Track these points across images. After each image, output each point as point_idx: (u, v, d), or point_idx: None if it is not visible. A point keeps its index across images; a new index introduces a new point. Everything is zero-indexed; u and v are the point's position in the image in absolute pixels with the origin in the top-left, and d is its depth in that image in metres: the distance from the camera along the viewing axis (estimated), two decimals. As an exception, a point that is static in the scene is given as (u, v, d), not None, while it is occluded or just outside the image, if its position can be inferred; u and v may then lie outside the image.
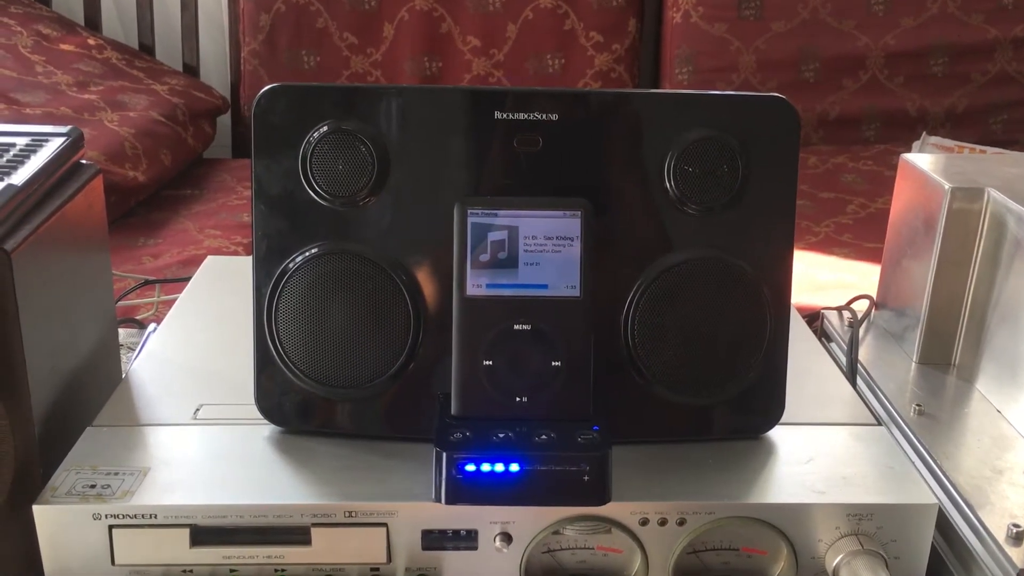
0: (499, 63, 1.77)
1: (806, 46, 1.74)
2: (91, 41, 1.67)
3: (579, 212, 0.56)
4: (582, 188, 0.57)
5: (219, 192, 1.56)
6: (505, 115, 0.57)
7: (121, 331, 0.84)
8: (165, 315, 0.77)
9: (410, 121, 0.57)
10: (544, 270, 0.56)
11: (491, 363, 0.55)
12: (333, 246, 0.57)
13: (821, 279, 1.24)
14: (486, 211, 0.56)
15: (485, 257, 0.56)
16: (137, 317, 0.96)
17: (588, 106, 0.58)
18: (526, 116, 0.57)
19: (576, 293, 0.56)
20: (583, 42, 1.77)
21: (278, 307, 0.58)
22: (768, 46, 1.74)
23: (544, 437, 0.54)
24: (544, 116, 0.57)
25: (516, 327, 0.55)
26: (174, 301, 0.79)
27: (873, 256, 1.28)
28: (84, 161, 0.65)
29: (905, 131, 1.75)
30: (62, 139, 0.63)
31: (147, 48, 1.81)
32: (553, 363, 0.55)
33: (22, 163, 0.59)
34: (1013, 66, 1.75)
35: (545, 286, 0.56)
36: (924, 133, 1.67)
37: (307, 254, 0.57)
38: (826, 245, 1.36)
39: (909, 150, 1.64)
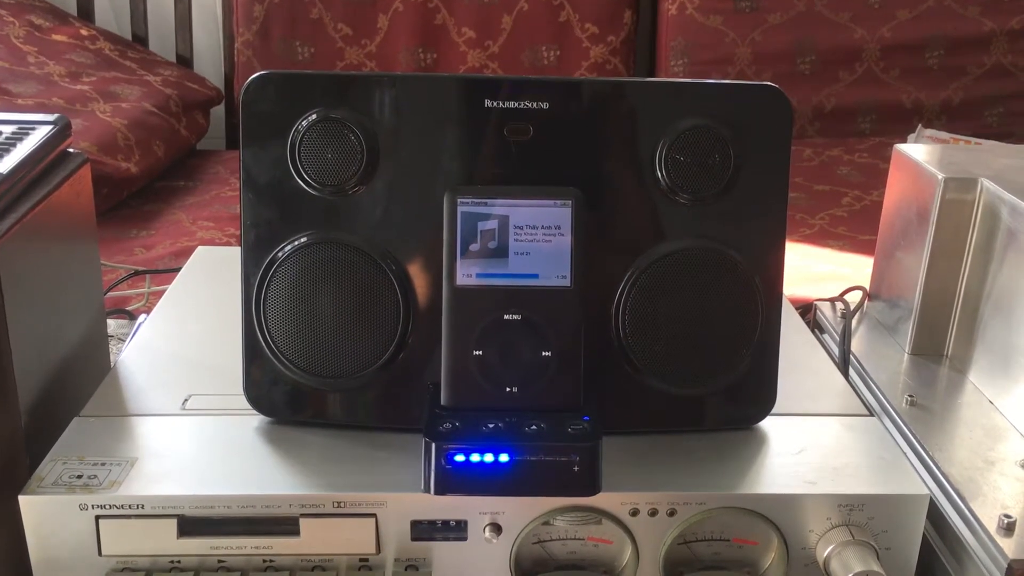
0: (494, 55, 1.76)
1: (802, 38, 1.74)
2: (84, 32, 1.66)
3: (570, 201, 0.55)
4: (573, 177, 0.56)
5: (212, 183, 1.56)
6: (496, 103, 0.56)
7: (112, 322, 0.84)
8: (155, 306, 0.76)
9: (400, 109, 0.57)
10: (535, 260, 0.55)
11: (481, 353, 0.55)
12: (322, 235, 0.57)
13: (816, 271, 1.24)
14: (476, 200, 0.55)
15: (475, 247, 0.55)
16: (128, 308, 0.96)
17: (579, 95, 0.57)
18: (517, 104, 0.56)
19: (567, 283, 0.55)
20: (578, 34, 1.76)
21: (267, 297, 0.57)
22: (764, 38, 1.73)
23: (534, 427, 0.53)
24: (535, 104, 0.56)
25: (506, 317, 0.55)
26: (164, 292, 0.79)
27: (868, 248, 1.27)
28: (71, 150, 0.65)
29: (901, 124, 1.75)
30: (49, 127, 0.62)
31: (140, 39, 1.80)
32: (544, 353, 0.55)
33: (8, 151, 0.59)
34: (1009, 59, 1.75)
35: (536, 276, 0.55)
36: (920, 126, 1.67)
37: (296, 243, 0.57)
38: (821, 237, 1.36)
39: (905, 142, 1.64)
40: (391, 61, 1.76)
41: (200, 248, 0.87)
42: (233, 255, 0.68)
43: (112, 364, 0.70)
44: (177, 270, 0.83)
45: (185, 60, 1.82)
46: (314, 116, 0.56)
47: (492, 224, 0.56)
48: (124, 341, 0.79)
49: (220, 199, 1.48)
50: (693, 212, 0.58)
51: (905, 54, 1.75)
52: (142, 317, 0.78)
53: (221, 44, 1.84)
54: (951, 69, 1.75)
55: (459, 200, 0.55)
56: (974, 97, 1.76)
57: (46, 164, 0.61)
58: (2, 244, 0.52)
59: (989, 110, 1.78)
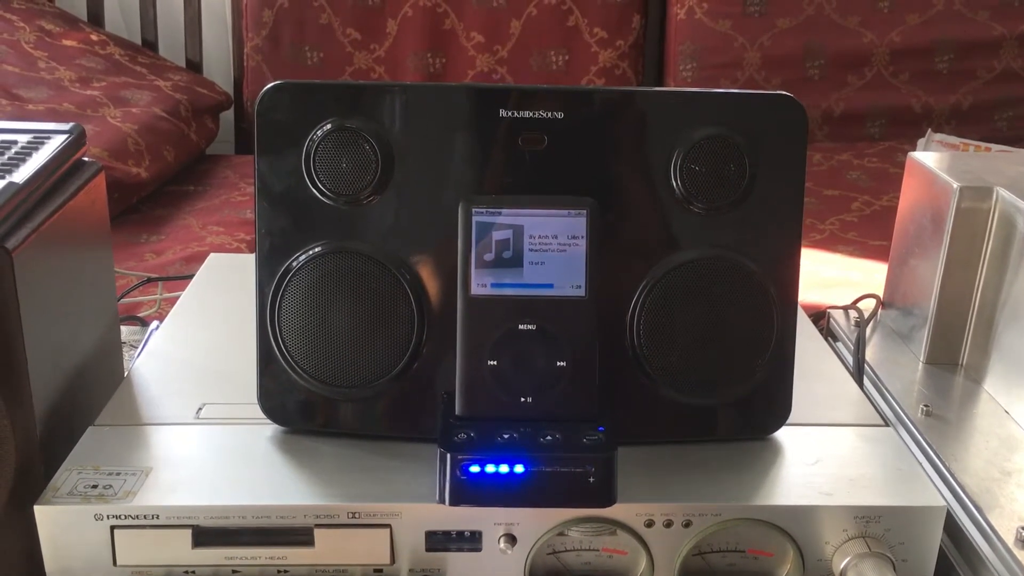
0: (502, 59, 1.76)
1: (811, 43, 1.73)
2: (94, 37, 1.67)
3: (585, 211, 0.55)
4: (587, 187, 0.56)
5: (222, 188, 1.56)
6: (510, 113, 0.56)
7: (123, 329, 0.84)
8: (167, 313, 0.77)
9: (414, 119, 0.56)
10: (549, 269, 0.55)
11: (496, 363, 0.55)
12: (337, 245, 0.57)
13: (826, 277, 1.24)
14: (490, 210, 0.55)
15: (489, 256, 0.55)
16: (140, 315, 0.96)
17: (593, 104, 0.57)
18: (531, 114, 0.56)
19: (581, 293, 0.55)
20: (587, 38, 1.76)
21: (281, 306, 0.57)
22: (773, 43, 1.73)
23: (549, 438, 0.53)
24: (549, 114, 0.56)
25: (521, 327, 0.55)
26: (177, 299, 0.79)
27: (878, 254, 1.28)
28: (86, 159, 0.65)
29: (910, 128, 1.74)
30: (64, 136, 0.63)
31: (150, 44, 1.81)
32: (558, 363, 0.55)
33: (23, 161, 0.59)
34: (1019, 63, 1.75)
35: (550, 285, 0.55)
36: (929, 130, 1.67)
37: (310, 252, 0.57)
38: (831, 243, 1.36)
39: (914, 147, 1.63)
40: (400, 66, 1.76)
41: (212, 255, 0.87)
42: (245, 262, 0.68)
43: (125, 371, 0.70)
44: (189, 277, 0.83)
45: (195, 65, 1.82)
46: (329, 126, 0.56)
47: (506, 234, 0.55)
48: (136, 348, 0.79)
49: (230, 204, 1.48)
50: (708, 221, 0.57)
51: (914, 58, 1.74)
52: (154, 324, 0.78)
53: (230, 49, 1.84)
54: (961, 73, 1.75)
55: (473, 209, 0.55)
56: (984, 102, 1.76)
57: (62, 173, 0.61)
58: (19, 253, 0.52)
59: (999, 115, 1.77)
